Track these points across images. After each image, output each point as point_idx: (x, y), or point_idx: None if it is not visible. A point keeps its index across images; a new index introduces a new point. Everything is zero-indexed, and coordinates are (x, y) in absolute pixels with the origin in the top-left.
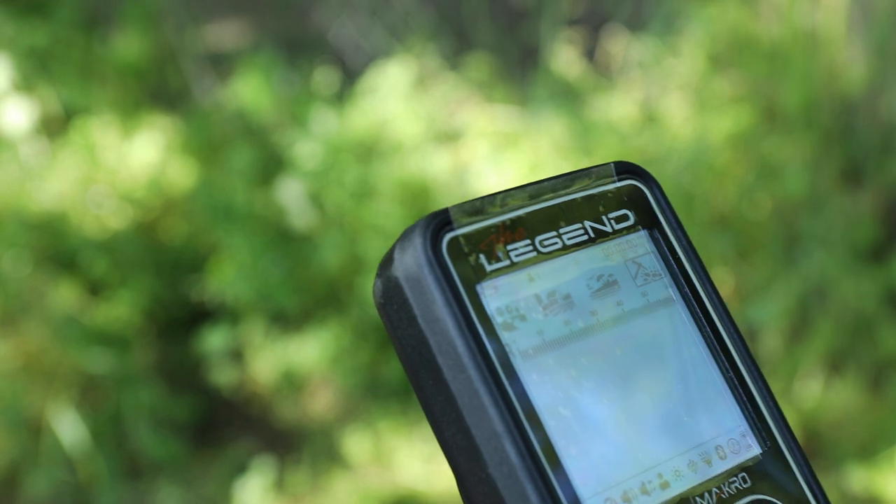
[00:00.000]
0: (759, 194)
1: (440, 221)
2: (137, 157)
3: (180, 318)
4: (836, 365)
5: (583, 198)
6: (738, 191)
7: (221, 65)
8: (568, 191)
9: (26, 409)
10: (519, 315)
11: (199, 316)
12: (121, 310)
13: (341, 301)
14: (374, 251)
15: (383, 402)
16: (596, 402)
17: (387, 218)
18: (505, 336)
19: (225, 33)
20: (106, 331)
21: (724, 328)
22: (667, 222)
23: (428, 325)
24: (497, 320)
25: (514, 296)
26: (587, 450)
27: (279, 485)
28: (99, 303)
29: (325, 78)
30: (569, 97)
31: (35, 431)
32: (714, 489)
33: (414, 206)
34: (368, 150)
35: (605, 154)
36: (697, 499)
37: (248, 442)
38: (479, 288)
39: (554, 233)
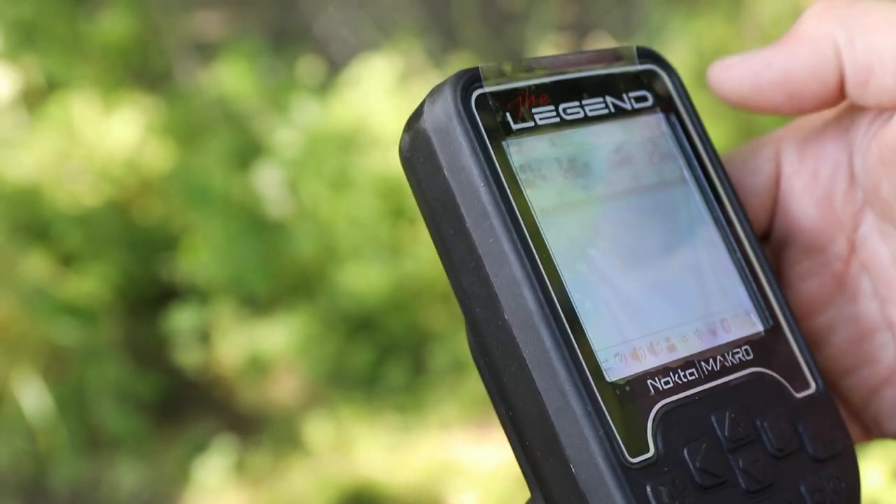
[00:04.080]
0: None
1: (470, 78)
2: (116, 136)
3: (150, 296)
4: None
5: (606, 74)
6: None
7: (206, 50)
8: (592, 66)
9: None
10: (541, 175)
11: (169, 295)
12: (91, 283)
13: (312, 289)
14: (349, 242)
15: (347, 390)
16: (611, 264)
17: (363, 210)
18: (527, 191)
19: (212, 20)
20: (75, 303)
21: (733, 212)
22: (684, 108)
23: (453, 174)
24: (521, 176)
25: (536, 156)
26: (601, 306)
27: (239, 466)
28: (69, 275)
29: (309, 68)
30: None
31: None
32: (718, 357)
33: (391, 200)
34: (348, 142)
35: None
36: (702, 363)
37: (209, 423)
38: (504, 143)
39: (577, 103)
